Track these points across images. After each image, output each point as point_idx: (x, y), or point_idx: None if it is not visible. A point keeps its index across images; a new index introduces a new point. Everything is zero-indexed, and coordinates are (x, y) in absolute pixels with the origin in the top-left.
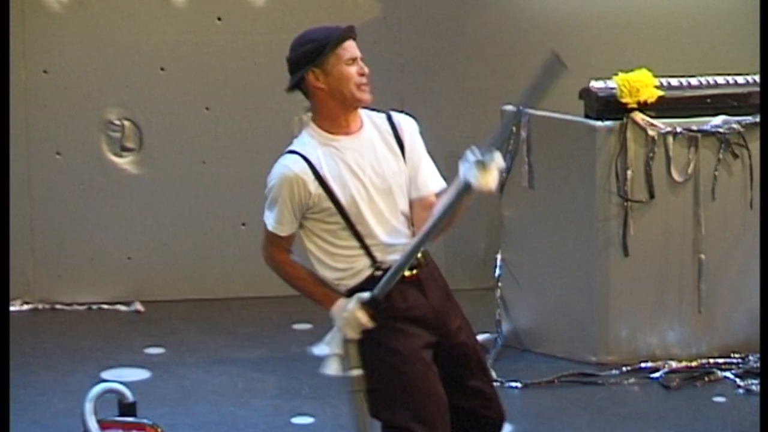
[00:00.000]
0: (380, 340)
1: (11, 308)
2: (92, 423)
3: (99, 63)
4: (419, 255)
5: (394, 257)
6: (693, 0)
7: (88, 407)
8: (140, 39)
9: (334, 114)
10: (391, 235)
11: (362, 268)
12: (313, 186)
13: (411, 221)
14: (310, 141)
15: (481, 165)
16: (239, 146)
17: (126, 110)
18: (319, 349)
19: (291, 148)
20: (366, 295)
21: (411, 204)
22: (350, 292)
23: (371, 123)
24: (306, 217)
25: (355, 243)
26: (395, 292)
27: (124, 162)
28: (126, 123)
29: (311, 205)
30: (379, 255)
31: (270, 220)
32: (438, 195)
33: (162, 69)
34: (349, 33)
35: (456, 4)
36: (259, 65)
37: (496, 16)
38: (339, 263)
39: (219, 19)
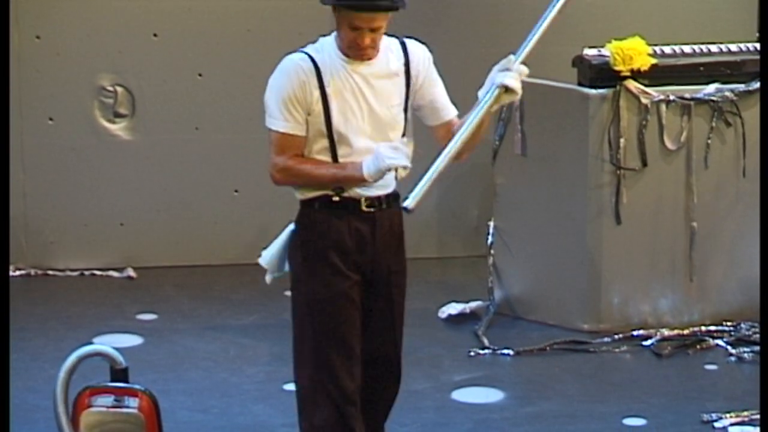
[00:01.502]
0: (315, 278)
1: None
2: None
3: (92, 29)
4: (383, 204)
5: (359, 189)
6: None
7: (70, 363)
8: (133, 5)
9: (349, 49)
10: None
11: (327, 189)
12: (315, 91)
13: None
14: (324, 49)
15: (513, 71)
16: (232, 113)
17: (119, 76)
18: (263, 259)
19: (302, 48)
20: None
21: (434, 130)
22: (304, 203)
23: (386, 50)
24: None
25: (329, 159)
26: (340, 226)
27: (117, 128)
28: (119, 89)
29: (308, 104)
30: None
31: (278, 121)
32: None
33: (155, 35)
34: (368, 7)
35: None
36: (252, 31)
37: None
38: None
39: None
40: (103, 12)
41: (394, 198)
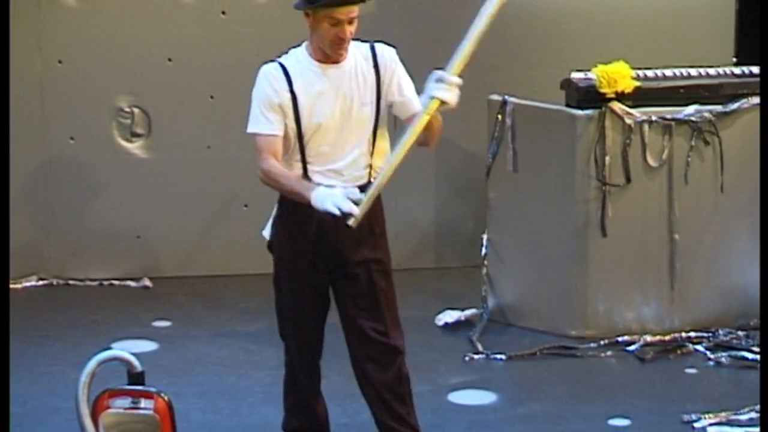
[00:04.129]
0: (281, 249)
1: (27, 284)
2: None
3: (110, 54)
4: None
5: (327, 180)
6: None
7: (91, 368)
8: (149, 31)
9: (320, 50)
10: (339, 162)
11: None
12: (286, 95)
13: (372, 150)
14: (293, 58)
15: (445, 83)
16: (242, 133)
17: (136, 98)
18: (265, 231)
19: (274, 59)
20: (356, 195)
21: (406, 123)
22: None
23: (355, 53)
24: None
25: (297, 151)
26: (305, 214)
27: (134, 147)
28: (135, 110)
29: (284, 112)
30: (312, 173)
31: (255, 124)
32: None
33: (169, 60)
34: (347, 1)
35: (445, 1)
36: (261, 57)
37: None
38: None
39: (223, 13)
40: (121, 38)
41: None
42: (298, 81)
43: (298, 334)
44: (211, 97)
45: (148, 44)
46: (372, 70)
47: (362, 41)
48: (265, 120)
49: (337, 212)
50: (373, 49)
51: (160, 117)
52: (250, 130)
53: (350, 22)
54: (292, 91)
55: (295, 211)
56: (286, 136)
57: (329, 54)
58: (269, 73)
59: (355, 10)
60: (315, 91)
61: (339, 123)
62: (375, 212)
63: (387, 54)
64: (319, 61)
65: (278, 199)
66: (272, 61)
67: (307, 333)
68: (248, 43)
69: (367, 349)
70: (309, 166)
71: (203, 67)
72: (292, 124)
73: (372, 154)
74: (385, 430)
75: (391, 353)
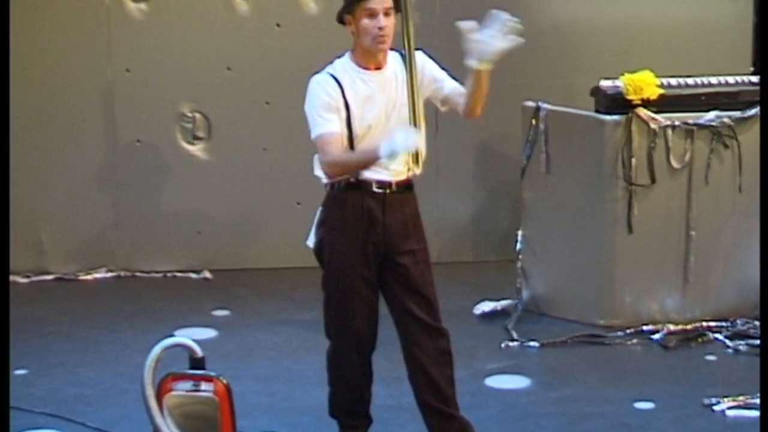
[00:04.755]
0: (332, 245)
1: (97, 275)
2: (151, 363)
3: (174, 63)
4: (394, 186)
5: (371, 174)
6: (689, 10)
7: (156, 353)
8: (209, 42)
9: (364, 55)
10: None
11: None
12: (340, 102)
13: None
14: (340, 68)
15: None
16: (295, 136)
17: (197, 104)
18: (309, 240)
19: (322, 70)
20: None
21: (452, 102)
22: (328, 186)
23: (392, 61)
24: None
25: (347, 149)
26: (355, 204)
27: (195, 149)
28: (197, 115)
29: (338, 115)
30: (363, 174)
31: (317, 127)
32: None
33: (228, 68)
34: None
35: (485, 13)
36: (313, 66)
37: (521, 21)
38: None
39: (278, 25)
40: (183, 49)
41: (405, 186)
42: (348, 89)
43: (350, 328)
44: (267, 103)
45: (209, 54)
46: (408, 76)
47: (394, 50)
48: (325, 121)
49: (412, 150)
50: (403, 55)
51: (219, 121)
52: (313, 134)
53: (386, 14)
54: (344, 99)
55: (344, 205)
56: None
57: (372, 51)
58: (323, 80)
59: (388, 1)
60: (363, 95)
61: (384, 124)
62: (416, 208)
63: (420, 59)
64: (364, 67)
65: (322, 203)
66: (321, 71)
67: (360, 325)
68: (301, 52)
69: (418, 333)
70: None
71: (259, 75)
72: (344, 130)
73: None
74: (432, 411)
75: (441, 337)
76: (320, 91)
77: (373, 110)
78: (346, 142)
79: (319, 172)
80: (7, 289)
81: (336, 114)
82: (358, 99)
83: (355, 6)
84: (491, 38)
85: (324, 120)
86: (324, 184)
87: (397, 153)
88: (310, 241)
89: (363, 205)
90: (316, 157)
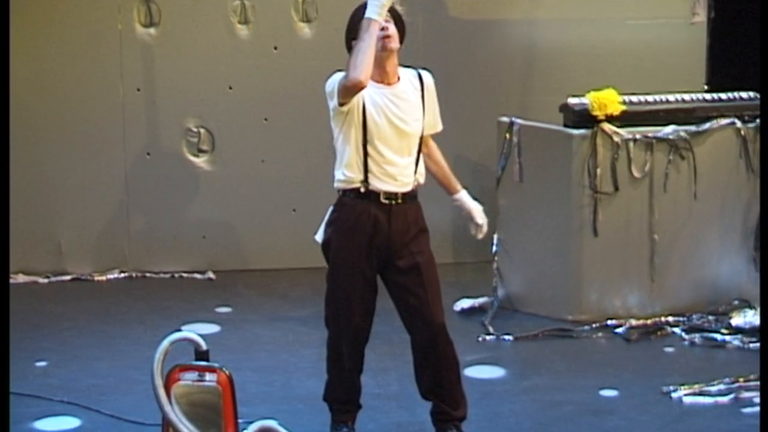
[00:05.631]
0: (338, 244)
1: (110, 276)
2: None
3: (180, 83)
4: (400, 197)
5: (380, 185)
6: (649, 34)
7: (164, 347)
8: (213, 64)
9: (376, 69)
10: (394, 167)
11: (356, 182)
12: (358, 99)
13: (417, 159)
14: None
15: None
16: (291, 149)
17: (201, 120)
18: (318, 236)
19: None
20: None
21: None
22: (340, 192)
23: (406, 78)
24: (351, 112)
25: (361, 160)
26: (362, 211)
27: (200, 161)
28: (201, 130)
29: (354, 105)
30: (371, 178)
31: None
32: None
33: (230, 88)
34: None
35: (464, 36)
36: (307, 85)
37: (496, 44)
38: (344, 170)
39: (275, 48)
40: (189, 69)
41: (411, 196)
42: (366, 93)
43: (349, 322)
44: (265, 119)
45: (212, 75)
46: (419, 95)
47: (407, 67)
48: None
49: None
50: (420, 77)
51: (222, 136)
52: (338, 83)
53: (386, 21)
54: (362, 101)
55: (353, 211)
56: (350, 138)
57: (382, 56)
58: None
59: (385, 12)
60: (377, 104)
61: (394, 134)
62: (419, 213)
63: (430, 84)
64: (378, 82)
65: (335, 203)
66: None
67: (358, 320)
68: (296, 73)
69: (422, 329)
70: (369, 174)
71: (258, 94)
72: (358, 132)
73: (417, 163)
74: (437, 393)
75: (440, 332)
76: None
77: (383, 118)
78: (359, 145)
79: (339, 174)
80: (7, 288)
81: None
82: (372, 103)
83: (357, 27)
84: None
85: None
86: (337, 189)
87: (384, 1)
88: (319, 236)
89: (370, 213)
90: (336, 164)
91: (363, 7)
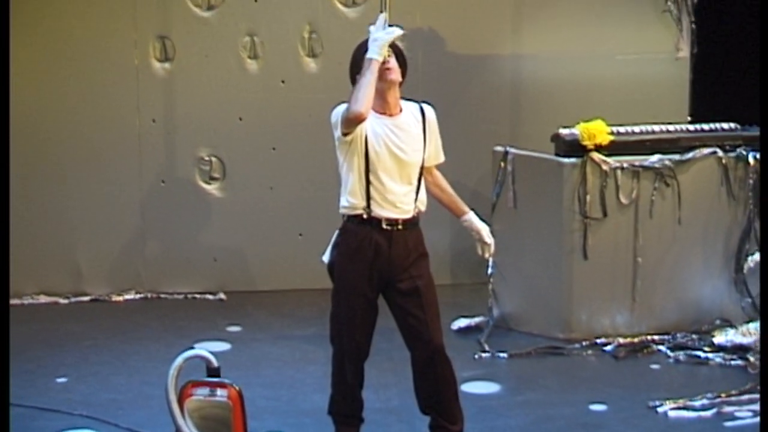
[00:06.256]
0: (342, 266)
1: (127, 296)
2: (174, 373)
3: (193, 114)
4: (400, 223)
5: (381, 212)
6: (636, 69)
7: (178, 364)
8: (224, 96)
9: (378, 100)
10: (394, 195)
11: (359, 208)
12: (360, 129)
13: (418, 188)
14: None
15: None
16: (297, 176)
17: (213, 149)
18: (325, 257)
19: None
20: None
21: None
22: (345, 217)
23: (408, 110)
24: (354, 142)
25: (363, 187)
26: (365, 236)
27: (212, 188)
28: (213, 159)
29: (358, 135)
30: (373, 204)
31: (342, 107)
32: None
33: (240, 119)
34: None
35: (461, 70)
36: (313, 116)
37: (491, 78)
38: (348, 197)
39: (283, 81)
40: (201, 101)
41: (411, 223)
42: (368, 125)
43: (352, 340)
44: (273, 148)
45: (223, 106)
46: (420, 127)
47: (410, 100)
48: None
49: (395, 33)
50: (422, 110)
51: (232, 164)
52: (342, 113)
53: (389, 55)
54: (364, 131)
55: (356, 236)
56: (353, 168)
57: (383, 87)
58: None
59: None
60: (378, 134)
61: (394, 163)
62: (419, 238)
63: (432, 117)
64: (380, 113)
65: (340, 227)
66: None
67: (360, 338)
68: (302, 105)
69: (421, 348)
70: (371, 201)
71: (267, 124)
72: (361, 161)
73: (417, 191)
74: (435, 408)
75: (438, 351)
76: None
77: (384, 147)
78: (362, 174)
79: (343, 200)
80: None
81: None
82: (374, 134)
83: (360, 62)
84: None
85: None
86: (342, 214)
87: (383, 42)
88: (326, 258)
89: (372, 239)
90: (341, 190)
91: (364, 44)
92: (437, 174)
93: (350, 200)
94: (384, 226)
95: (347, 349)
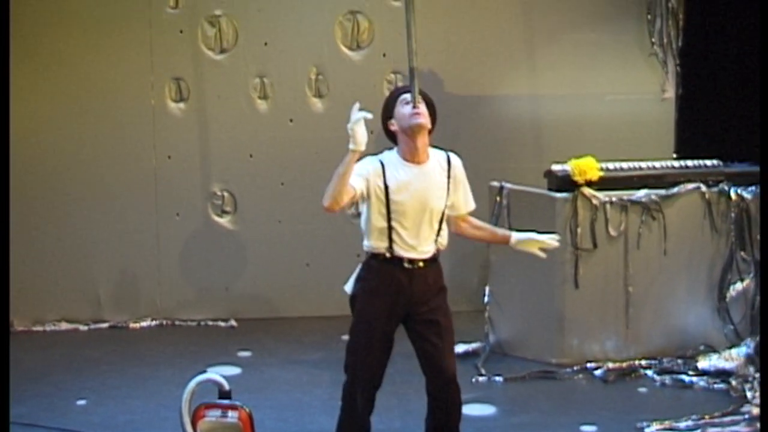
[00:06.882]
0: (363, 301)
1: (143, 324)
2: (187, 396)
3: (206, 151)
4: (420, 263)
5: (403, 253)
6: (624, 109)
7: (191, 387)
8: (236, 134)
9: (407, 146)
10: (415, 239)
11: (381, 248)
12: (380, 180)
13: (439, 231)
14: (388, 156)
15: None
16: (304, 210)
17: (225, 184)
18: (348, 287)
19: (376, 155)
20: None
21: (453, 218)
22: (368, 255)
23: (435, 159)
24: (369, 195)
25: (385, 231)
26: (387, 273)
27: (224, 221)
28: (225, 194)
29: (372, 187)
30: (395, 247)
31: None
32: (470, 214)
33: (250, 156)
34: (403, 89)
35: (458, 109)
36: (319, 153)
37: (488, 117)
38: (370, 240)
39: (291, 120)
40: (214, 139)
41: (431, 261)
42: (389, 171)
43: (368, 371)
44: (282, 183)
45: (234, 144)
46: (445, 175)
47: (439, 148)
48: (358, 180)
49: (363, 116)
50: (449, 159)
51: (243, 199)
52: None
53: (419, 102)
54: (385, 181)
55: (378, 273)
56: (373, 219)
57: (411, 124)
58: (369, 159)
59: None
60: (401, 181)
61: (417, 210)
62: (439, 273)
63: (458, 166)
64: (407, 160)
65: (364, 262)
66: (374, 155)
67: (375, 370)
68: (309, 143)
69: (436, 375)
70: (393, 243)
71: (276, 161)
72: (382, 208)
73: (438, 235)
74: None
75: (451, 380)
76: (363, 163)
77: (407, 194)
78: (384, 218)
79: (366, 241)
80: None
81: (363, 180)
82: (396, 182)
83: (392, 107)
84: (537, 241)
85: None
86: (366, 252)
87: (352, 133)
88: (348, 288)
89: (393, 276)
90: (363, 231)
91: (397, 90)
92: (471, 219)
93: (373, 243)
94: (405, 265)
95: (361, 380)
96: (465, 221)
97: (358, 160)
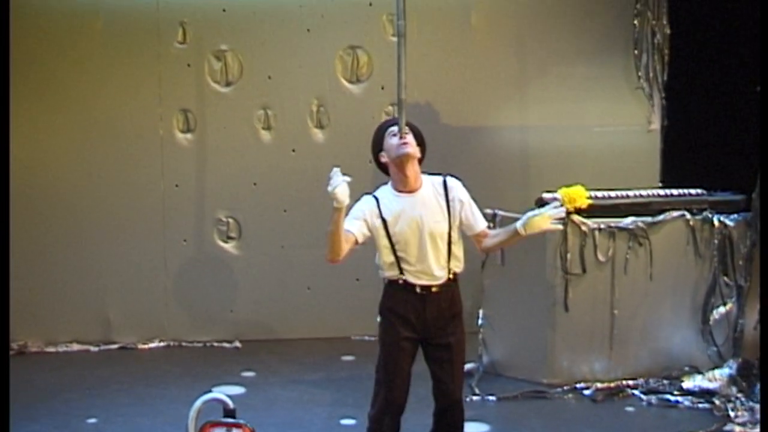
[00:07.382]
0: (384, 326)
1: (152, 345)
2: (193, 414)
3: (212, 179)
4: (434, 288)
5: (414, 280)
6: (612, 140)
7: (197, 406)
8: (240, 164)
9: (398, 176)
10: (423, 265)
11: (394, 276)
12: (377, 217)
13: (449, 255)
14: (382, 191)
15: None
16: (306, 236)
17: (230, 212)
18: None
19: (371, 192)
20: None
21: (473, 238)
22: (385, 282)
23: (430, 184)
24: (372, 233)
25: (394, 261)
26: (401, 299)
27: (229, 247)
28: (230, 220)
29: (372, 226)
30: (406, 274)
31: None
32: (488, 229)
33: (254, 184)
34: (391, 122)
35: (453, 140)
36: (321, 182)
37: (481, 147)
38: (383, 270)
39: (293, 150)
40: (219, 168)
41: (445, 286)
42: (384, 205)
43: (396, 401)
44: (284, 210)
45: (239, 173)
46: (443, 199)
47: (435, 174)
48: (348, 222)
49: (337, 186)
50: (445, 183)
51: (247, 225)
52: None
53: (406, 132)
54: (381, 216)
55: (392, 298)
56: (383, 253)
57: (401, 161)
58: (365, 199)
59: (406, 128)
60: (395, 211)
61: (417, 237)
62: (454, 298)
63: (455, 187)
64: (399, 191)
65: (383, 292)
66: (370, 193)
67: (401, 398)
68: (311, 172)
69: (443, 397)
70: (404, 272)
71: (279, 189)
72: (385, 241)
73: (449, 258)
74: None
75: (456, 403)
76: (359, 204)
77: (404, 223)
78: (390, 250)
79: (380, 270)
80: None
81: (362, 222)
82: (392, 214)
83: (381, 140)
84: (542, 217)
85: (348, 222)
86: (383, 279)
87: (333, 197)
88: (378, 318)
89: (408, 301)
90: (377, 260)
91: (384, 124)
92: (489, 231)
93: (386, 272)
94: (417, 291)
95: (390, 408)
96: (486, 236)
97: (350, 207)
